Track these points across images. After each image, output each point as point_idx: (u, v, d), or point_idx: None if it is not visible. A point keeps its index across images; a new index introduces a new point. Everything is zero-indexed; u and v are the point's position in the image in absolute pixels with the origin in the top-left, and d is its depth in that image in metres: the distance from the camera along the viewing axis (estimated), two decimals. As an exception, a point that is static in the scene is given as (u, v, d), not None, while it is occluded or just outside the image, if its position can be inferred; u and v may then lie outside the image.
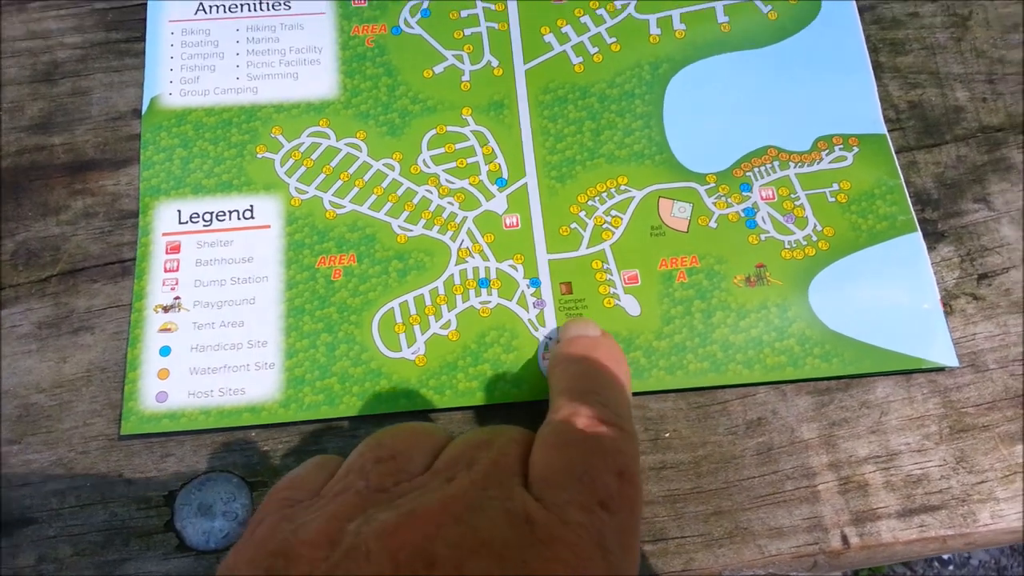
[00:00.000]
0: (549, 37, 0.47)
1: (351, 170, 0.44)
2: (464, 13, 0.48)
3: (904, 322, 0.41)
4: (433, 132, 0.45)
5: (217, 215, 0.43)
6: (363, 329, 0.41)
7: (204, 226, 0.43)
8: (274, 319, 0.41)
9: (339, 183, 0.44)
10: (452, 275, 0.42)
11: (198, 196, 0.43)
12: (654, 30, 0.48)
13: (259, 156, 0.44)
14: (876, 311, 0.41)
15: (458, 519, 0.26)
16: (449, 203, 0.44)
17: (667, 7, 0.48)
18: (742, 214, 0.43)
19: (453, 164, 0.45)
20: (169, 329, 0.41)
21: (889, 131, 0.46)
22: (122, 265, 0.42)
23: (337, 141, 0.45)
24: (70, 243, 0.42)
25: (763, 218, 0.43)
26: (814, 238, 0.43)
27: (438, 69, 0.47)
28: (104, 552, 0.37)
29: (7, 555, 0.37)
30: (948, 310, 0.42)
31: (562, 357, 0.37)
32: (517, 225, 0.43)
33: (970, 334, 0.42)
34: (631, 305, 0.42)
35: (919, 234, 0.43)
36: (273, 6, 0.48)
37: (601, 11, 0.48)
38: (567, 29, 0.48)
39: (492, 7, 0.48)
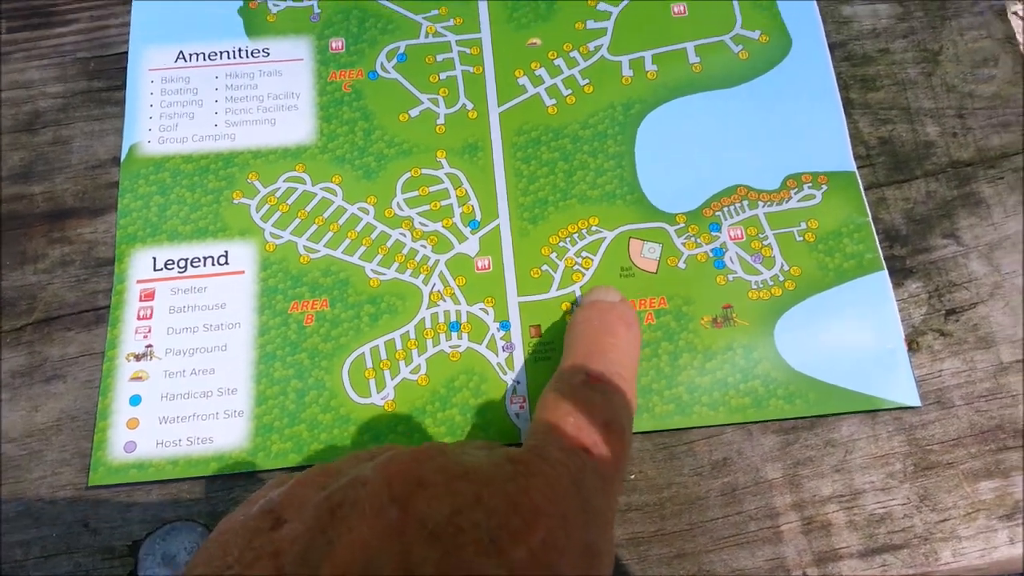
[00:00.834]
0: (523, 80, 0.48)
1: (326, 214, 0.45)
2: (440, 57, 0.49)
3: (868, 362, 0.42)
4: (408, 175, 0.46)
5: (192, 261, 0.44)
6: (333, 375, 0.42)
7: (179, 273, 0.43)
8: (245, 366, 0.42)
9: (314, 227, 0.45)
10: (424, 319, 0.43)
11: (174, 243, 0.44)
12: (626, 71, 0.48)
13: (235, 202, 0.45)
14: (840, 351, 0.42)
15: (444, 452, 0.29)
16: (422, 246, 0.44)
17: (639, 48, 0.49)
18: (711, 254, 0.44)
19: (427, 207, 0.45)
20: (140, 378, 0.41)
21: (859, 168, 0.46)
22: (96, 313, 0.43)
23: (313, 186, 0.46)
24: (46, 292, 0.43)
25: (731, 258, 0.44)
26: (781, 278, 0.43)
27: (414, 113, 0.48)
28: (70, 602, 0.38)
29: (-27, 606, 0.38)
30: (915, 347, 0.42)
31: (579, 319, 0.39)
32: (489, 268, 0.44)
33: (936, 371, 0.42)
34: (600, 348, 0.42)
35: (885, 273, 0.43)
36: (252, 53, 0.49)
37: (574, 53, 0.49)
38: (541, 72, 0.48)
39: (467, 51, 0.49)
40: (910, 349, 0.42)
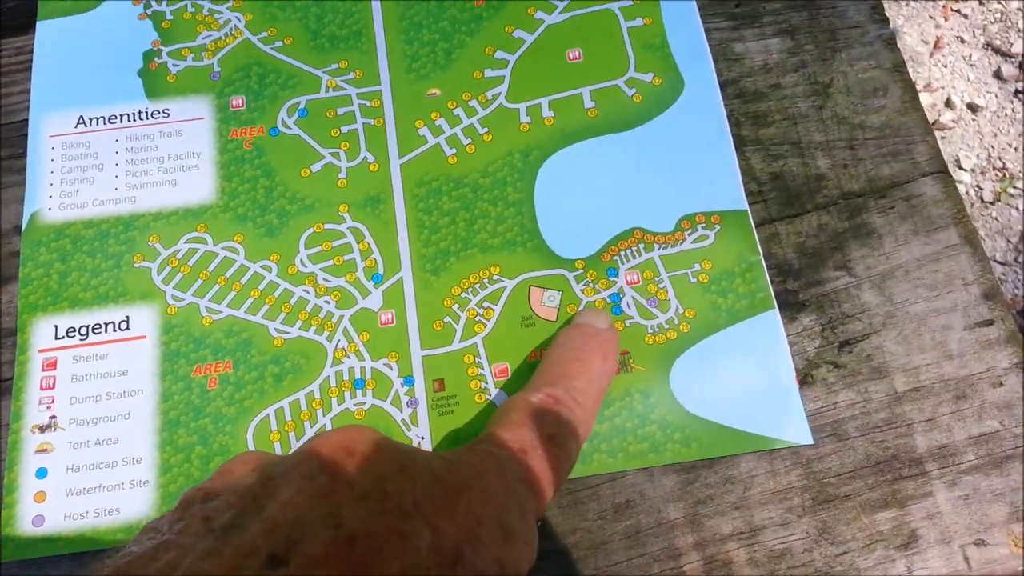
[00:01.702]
0: (423, 130, 0.49)
1: (228, 273, 0.45)
2: (341, 111, 0.49)
3: (760, 402, 0.43)
4: (311, 231, 0.46)
5: (93, 328, 0.44)
6: (238, 440, 0.42)
7: (80, 340, 0.44)
8: (149, 434, 0.42)
9: (216, 288, 0.45)
10: (328, 377, 0.43)
11: (75, 310, 0.44)
12: (524, 118, 0.49)
13: (136, 265, 0.45)
14: (733, 392, 0.43)
15: (373, 430, 0.31)
16: (326, 302, 0.45)
17: (536, 95, 0.50)
18: (608, 300, 0.45)
19: (330, 262, 0.46)
20: (46, 450, 0.41)
21: (751, 204, 0.47)
22: (0, 385, 0.43)
23: (215, 245, 0.46)
24: (-52, 368, 0.43)
25: (628, 303, 0.45)
26: (676, 321, 0.44)
27: (315, 167, 0.48)
28: None
29: None
30: (809, 380, 0.44)
31: (560, 339, 0.41)
32: (392, 322, 0.44)
33: (831, 403, 0.43)
34: (501, 400, 0.43)
35: (776, 311, 0.44)
36: (152, 115, 0.49)
37: (473, 102, 0.49)
38: (440, 122, 0.49)
39: (368, 103, 0.49)
40: (804, 383, 0.43)
